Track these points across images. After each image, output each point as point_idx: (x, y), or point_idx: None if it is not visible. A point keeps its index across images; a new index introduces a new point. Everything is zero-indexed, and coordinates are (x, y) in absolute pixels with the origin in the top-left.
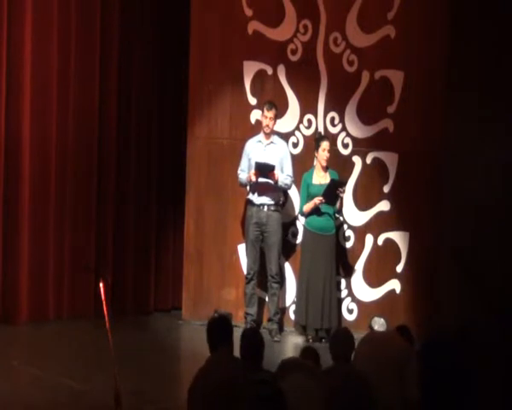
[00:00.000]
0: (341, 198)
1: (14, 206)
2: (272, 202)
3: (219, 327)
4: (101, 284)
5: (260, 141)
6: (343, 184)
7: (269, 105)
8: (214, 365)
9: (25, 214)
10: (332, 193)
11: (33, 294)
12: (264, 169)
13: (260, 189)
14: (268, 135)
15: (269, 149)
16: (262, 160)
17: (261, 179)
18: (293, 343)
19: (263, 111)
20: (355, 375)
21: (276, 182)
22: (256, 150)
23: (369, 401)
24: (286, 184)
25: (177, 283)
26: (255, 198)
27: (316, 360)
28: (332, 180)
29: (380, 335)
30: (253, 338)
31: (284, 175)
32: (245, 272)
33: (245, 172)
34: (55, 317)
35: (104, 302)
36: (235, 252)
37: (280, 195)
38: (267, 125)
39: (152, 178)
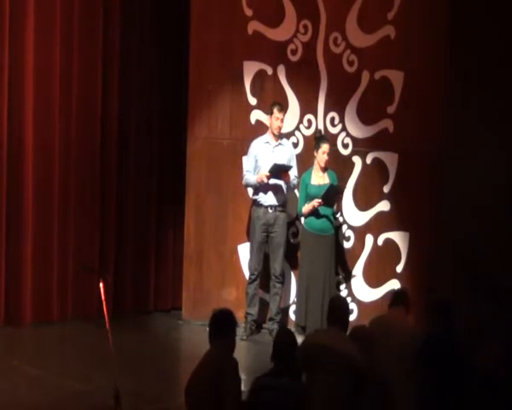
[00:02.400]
0: (339, 201)
1: (18, 207)
2: (279, 203)
3: (220, 320)
4: (101, 284)
5: (268, 142)
6: (341, 190)
7: (279, 106)
8: (207, 360)
9: (28, 215)
10: (330, 196)
11: (37, 295)
12: (281, 170)
13: (269, 190)
14: (277, 137)
15: (277, 150)
16: (271, 161)
17: (271, 181)
18: None
19: (272, 112)
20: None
21: (288, 182)
22: (264, 152)
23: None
24: (294, 185)
25: (177, 283)
26: (263, 199)
27: (406, 305)
28: (331, 185)
29: (394, 322)
30: (286, 340)
31: (292, 176)
32: (245, 272)
33: (251, 173)
34: (59, 318)
35: (104, 302)
36: (235, 252)
37: (285, 195)
38: (278, 127)
39: (152, 178)
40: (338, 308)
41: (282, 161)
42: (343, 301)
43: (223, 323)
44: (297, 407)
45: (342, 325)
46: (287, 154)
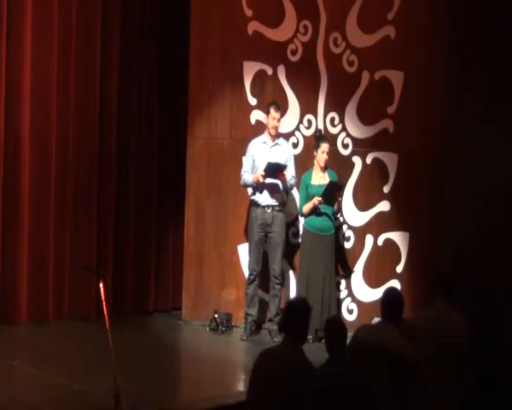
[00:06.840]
0: (340, 199)
1: (14, 205)
2: (277, 203)
3: (299, 311)
4: (100, 284)
5: (265, 142)
6: (341, 186)
7: (276, 106)
8: (279, 352)
9: (24, 213)
10: (330, 194)
11: (33, 294)
12: (276, 169)
13: (266, 189)
14: (273, 136)
15: (274, 150)
16: (269, 161)
17: (267, 180)
18: None
19: (269, 112)
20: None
21: (285, 182)
22: (261, 152)
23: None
24: (291, 185)
25: (177, 283)
26: (261, 199)
27: (448, 290)
28: (331, 182)
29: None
30: (338, 328)
31: (289, 176)
32: (245, 272)
33: (249, 173)
34: (55, 317)
35: (104, 302)
36: (235, 252)
37: (283, 195)
38: (275, 127)
39: (152, 178)
40: (394, 301)
41: (279, 160)
42: (399, 295)
43: (297, 311)
44: (360, 394)
45: (395, 320)
46: (284, 154)
